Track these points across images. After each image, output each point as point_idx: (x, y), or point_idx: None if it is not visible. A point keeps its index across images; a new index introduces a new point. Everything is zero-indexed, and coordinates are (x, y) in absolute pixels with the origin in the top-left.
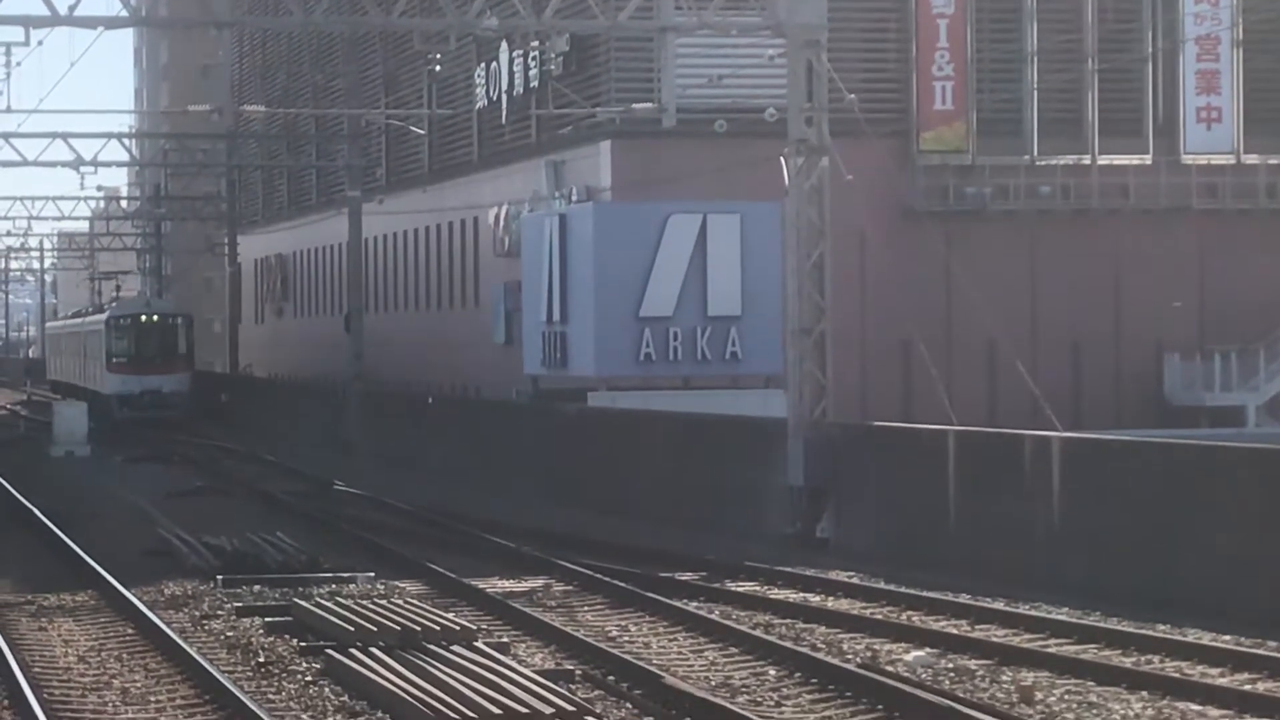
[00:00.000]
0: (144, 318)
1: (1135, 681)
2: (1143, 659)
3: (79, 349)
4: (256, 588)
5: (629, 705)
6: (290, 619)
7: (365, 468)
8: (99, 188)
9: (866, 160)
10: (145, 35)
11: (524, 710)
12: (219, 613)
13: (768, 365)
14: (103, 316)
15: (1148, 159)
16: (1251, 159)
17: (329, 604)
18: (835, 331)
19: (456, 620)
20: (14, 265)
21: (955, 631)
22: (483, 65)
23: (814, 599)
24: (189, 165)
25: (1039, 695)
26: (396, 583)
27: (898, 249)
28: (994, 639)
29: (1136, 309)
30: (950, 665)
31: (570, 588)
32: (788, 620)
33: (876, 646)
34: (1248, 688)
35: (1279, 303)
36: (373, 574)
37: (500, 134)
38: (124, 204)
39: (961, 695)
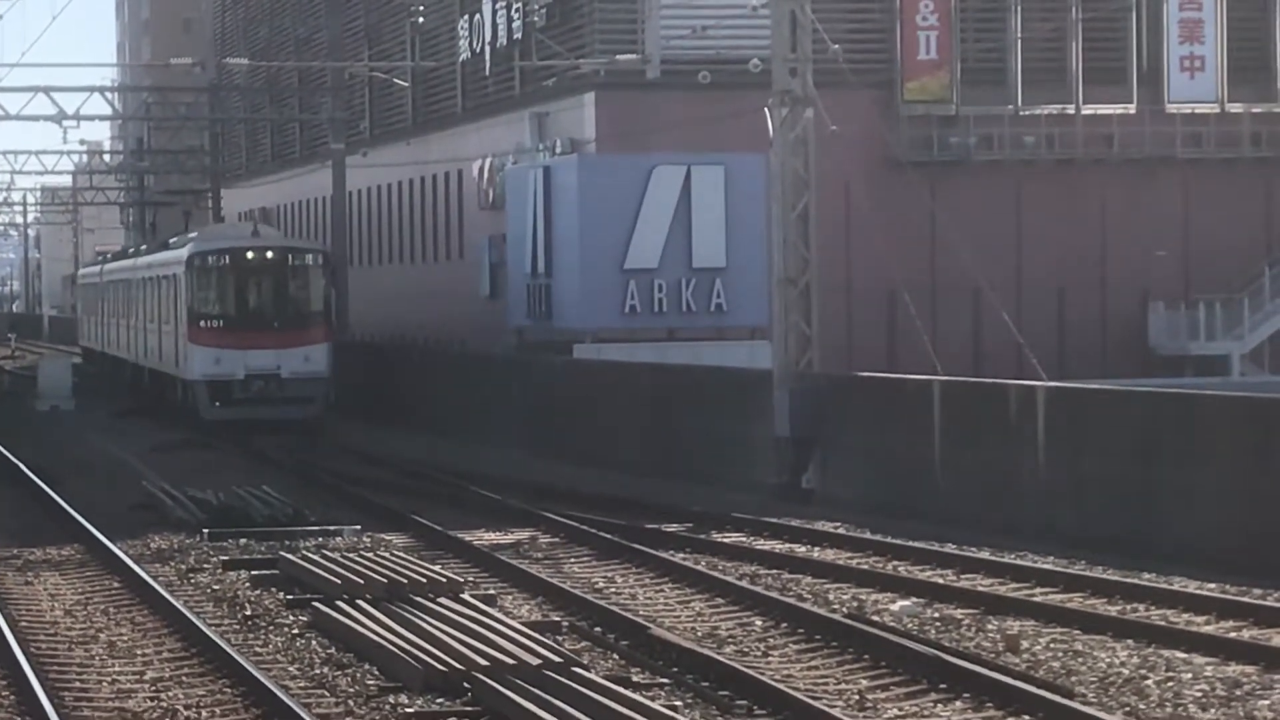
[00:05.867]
0: (250, 254)
1: (1121, 630)
2: (1128, 607)
3: (136, 306)
4: (243, 541)
5: (616, 656)
6: (277, 572)
7: (350, 421)
8: (81, 142)
9: (851, 111)
10: None
11: (511, 661)
12: (205, 566)
13: (753, 316)
14: (181, 253)
15: (1131, 108)
16: (1235, 108)
17: (315, 557)
18: (820, 282)
19: (443, 573)
20: None
21: (941, 581)
22: (466, 17)
23: (800, 549)
24: (172, 119)
25: (1025, 644)
26: (383, 535)
27: (882, 199)
28: (980, 588)
29: (1121, 258)
30: (936, 615)
31: (556, 539)
32: (774, 570)
33: (863, 596)
34: (1233, 635)
35: (1263, 251)
36: (359, 527)
37: (484, 86)
38: (107, 158)
39: (948, 644)
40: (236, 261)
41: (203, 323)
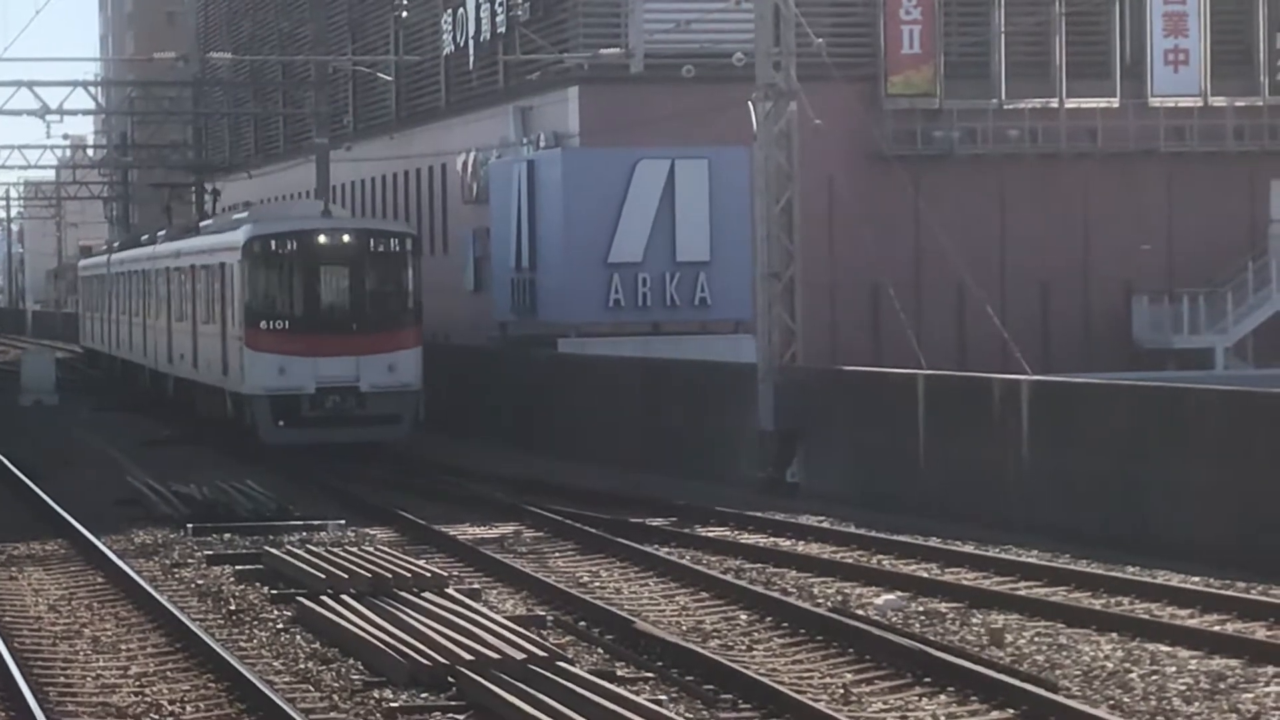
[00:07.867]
0: (323, 238)
1: (1105, 623)
2: (1113, 601)
3: (161, 303)
4: (227, 536)
5: (600, 650)
6: (261, 567)
7: None
8: (65, 136)
9: (834, 104)
10: None
11: (496, 656)
12: (189, 561)
13: (737, 310)
14: (235, 237)
15: (1115, 102)
16: (1219, 101)
17: (300, 551)
18: (804, 276)
19: (427, 567)
20: None
21: (925, 575)
22: (449, 11)
23: (784, 543)
24: (155, 113)
25: (1009, 637)
26: (367, 530)
27: (866, 193)
28: (964, 582)
29: (1105, 252)
30: (921, 608)
31: (541, 534)
32: (758, 565)
33: (847, 590)
34: (1217, 629)
35: (1246, 245)
36: (343, 521)
37: (468, 80)
38: (90, 153)
39: (932, 638)
40: (306, 248)
41: (264, 324)
